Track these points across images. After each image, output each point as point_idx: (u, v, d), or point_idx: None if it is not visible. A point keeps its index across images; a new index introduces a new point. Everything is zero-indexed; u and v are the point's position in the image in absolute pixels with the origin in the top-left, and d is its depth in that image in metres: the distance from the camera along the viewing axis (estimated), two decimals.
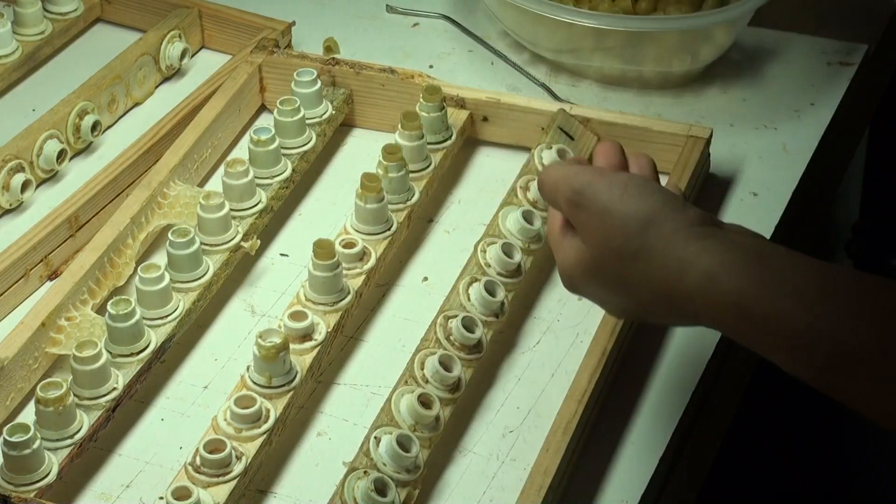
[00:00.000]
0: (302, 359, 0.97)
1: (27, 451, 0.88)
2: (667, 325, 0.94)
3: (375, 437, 0.91)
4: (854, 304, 0.78)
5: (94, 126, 1.18)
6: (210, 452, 0.90)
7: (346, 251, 1.04)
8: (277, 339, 0.94)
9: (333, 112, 1.18)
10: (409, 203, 1.09)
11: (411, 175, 1.10)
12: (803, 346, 0.78)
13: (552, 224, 0.93)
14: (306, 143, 1.14)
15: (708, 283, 0.82)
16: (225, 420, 0.92)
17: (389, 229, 1.07)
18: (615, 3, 1.26)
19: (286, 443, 0.95)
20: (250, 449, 0.91)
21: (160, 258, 1.05)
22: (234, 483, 0.89)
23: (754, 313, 0.80)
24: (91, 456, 0.94)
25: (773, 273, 0.81)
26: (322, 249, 1.00)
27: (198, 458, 0.90)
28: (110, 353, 0.96)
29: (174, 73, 1.28)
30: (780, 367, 0.80)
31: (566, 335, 1.03)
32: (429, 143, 1.13)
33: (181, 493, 0.87)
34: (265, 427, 0.92)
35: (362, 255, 1.04)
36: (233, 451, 0.90)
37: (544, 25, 1.23)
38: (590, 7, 1.26)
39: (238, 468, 0.90)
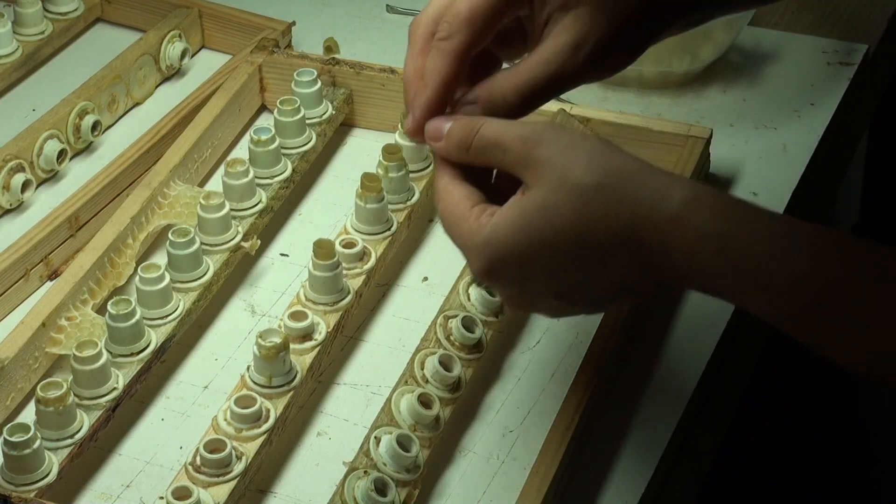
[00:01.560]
0: (302, 359, 0.97)
1: (27, 451, 0.89)
2: (613, 297, 0.83)
3: (375, 437, 0.91)
4: (840, 253, 0.76)
5: (95, 126, 1.18)
6: (210, 452, 0.90)
7: (346, 251, 1.04)
8: (277, 339, 0.94)
9: (333, 112, 1.18)
10: (409, 203, 1.09)
11: (411, 175, 1.10)
12: (783, 287, 0.75)
13: (454, 201, 0.82)
14: (306, 143, 1.14)
15: (687, 210, 0.77)
16: (225, 420, 0.92)
17: (389, 229, 1.07)
18: None
19: (286, 443, 0.95)
20: (250, 449, 0.91)
21: (160, 258, 1.05)
22: (234, 483, 0.89)
23: (736, 247, 0.76)
24: (91, 456, 0.94)
25: (756, 212, 0.78)
26: (322, 249, 1.00)
27: (198, 458, 0.90)
28: (110, 352, 0.96)
29: (174, 73, 1.28)
30: (758, 319, 0.78)
31: (566, 335, 1.03)
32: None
33: (181, 493, 0.87)
34: (265, 427, 0.92)
35: (362, 255, 1.04)
36: (233, 451, 0.90)
37: None
38: None
39: (238, 468, 0.90)
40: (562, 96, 1.23)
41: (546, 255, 0.79)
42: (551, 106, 1.16)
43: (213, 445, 0.90)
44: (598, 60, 0.86)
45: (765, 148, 1.20)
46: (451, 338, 0.97)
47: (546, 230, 0.79)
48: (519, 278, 0.81)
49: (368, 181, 1.06)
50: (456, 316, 0.98)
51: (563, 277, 0.81)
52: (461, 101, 0.86)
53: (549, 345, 1.02)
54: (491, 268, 0.81)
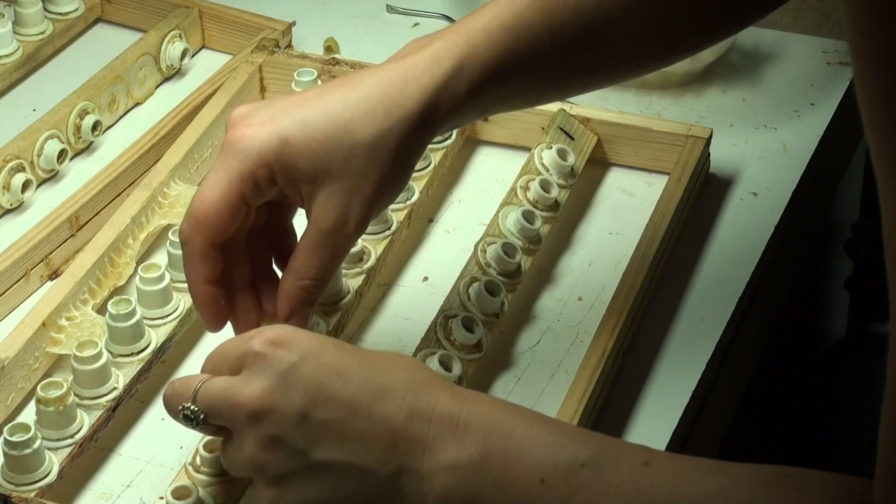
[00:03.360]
0: None
1: (28, 451, 0.89)
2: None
3: None
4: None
5: (95, 126, 1.18)
6: (210, 452, 0.90)
7: None
8: None
9: None
10: (408, 202, 1.09)
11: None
12: None
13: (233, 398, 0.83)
14: None
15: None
16: None
17: (389, 229, 1.07)
18: None
19: None
20: None
21: (160, 258, 1.05)
22: (233, 482, 0.89)
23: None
24: (91, 456, 0.94)
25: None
26: None
27: (197, 458, 0.90)
28: (111, 352, 0.96)
29: (174, 73, 1.28)
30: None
31: (566, 335, 1.03)
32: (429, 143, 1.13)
33: (181, 493, 0.87)
34: None
35: (362, 255, 1.04)
36: None
37: None
38: None
39: None
40: None
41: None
42: (551, 105, 1.16)
43: (213, 445, 0.90)
44: (368, 219, 0.88)
45: (765, 148, 1.20)
46: (452, 338, 0.97)
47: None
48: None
49: None
50: (456, 316, 0.98)
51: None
52: (264, 320, 0.90)
53: (549, 345, 1.02)
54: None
